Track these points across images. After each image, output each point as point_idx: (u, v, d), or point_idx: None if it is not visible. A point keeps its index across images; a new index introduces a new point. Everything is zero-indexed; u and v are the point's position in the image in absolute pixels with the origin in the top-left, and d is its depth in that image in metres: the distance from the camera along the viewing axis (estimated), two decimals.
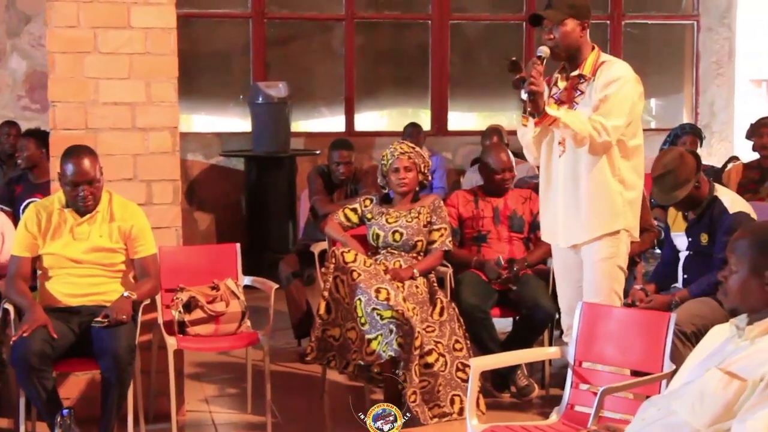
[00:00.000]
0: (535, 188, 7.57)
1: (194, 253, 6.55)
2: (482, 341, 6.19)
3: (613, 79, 5.08)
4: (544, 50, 5.06)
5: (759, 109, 12.21)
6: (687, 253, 5.95)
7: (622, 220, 5.19)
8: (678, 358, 4.49)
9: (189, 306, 5.86)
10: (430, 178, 6.46)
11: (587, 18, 5.20)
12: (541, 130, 5.19)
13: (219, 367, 7.05)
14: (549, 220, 5.42)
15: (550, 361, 6.48)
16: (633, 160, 5.21)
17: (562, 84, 5.26)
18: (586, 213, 5.18)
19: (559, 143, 5.20)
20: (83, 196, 5.43)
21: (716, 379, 3.16)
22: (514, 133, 10.17)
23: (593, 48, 5.21)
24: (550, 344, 6.50)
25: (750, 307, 3.28)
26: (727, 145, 11.50)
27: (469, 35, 11.65)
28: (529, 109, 4.90)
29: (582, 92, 5.17)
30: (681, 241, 5.95)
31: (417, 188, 6.37)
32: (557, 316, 6.64)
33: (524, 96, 4.89)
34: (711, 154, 10.94)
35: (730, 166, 8.32)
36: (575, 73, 5.19)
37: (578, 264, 5.32)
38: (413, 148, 6.39)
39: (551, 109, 4.95)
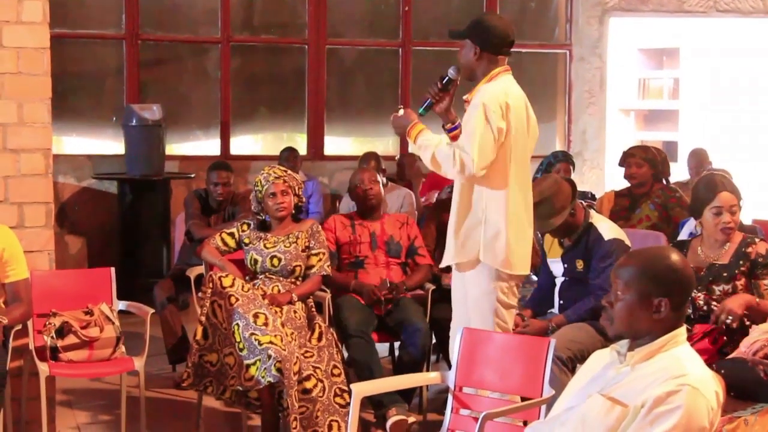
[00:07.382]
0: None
1: (68, 277, 6.41)
2: (366, 365, 6.11)
3: (472, 107, 4.98)
4: (452, 71, 5.05)
5: (628, 138, 12.53)
6: (563, 279, 6.01)
7: (484, 253, 5.03)
8: (555, 384, 4.54)
9: (62, 331, 5.74)
10: (304, 199, 6.41)
11: (486, 49, 5.03)
12: None
13: (92, 393, 6.88)
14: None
15: (427, 386, 6.48)
16: (497, 199, 5.02)
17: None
18: (452, 237, 5.14)
19: None
20: None
21: (598, 404, 3.19)
22: (390, 158, 10.40)
23: (490, 76, 5.03)
24: (428, 369, 6.50)
25: (635, 333, 3.30)
26: (598, 173, 11.70)
27: (346, 60, 11.67)
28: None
29: None
30: (557, 267, 6.01)
31: (293, 211, 6.32)
32: (434, 340, 6.68)
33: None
34: (583, 182, 11.10)
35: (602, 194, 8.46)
36: (465, 97, 5.13)
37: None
38: (286, 171, 6.33)
39: (411, 141, 4.98)
